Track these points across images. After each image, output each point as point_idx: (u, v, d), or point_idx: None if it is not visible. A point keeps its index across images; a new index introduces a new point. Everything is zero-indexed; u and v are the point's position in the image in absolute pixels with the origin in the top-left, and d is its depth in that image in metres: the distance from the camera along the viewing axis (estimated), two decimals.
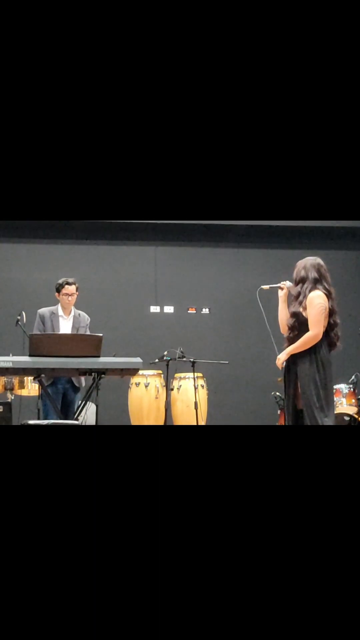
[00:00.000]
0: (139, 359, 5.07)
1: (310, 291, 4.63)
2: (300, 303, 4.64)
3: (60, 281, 5.91)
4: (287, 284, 4.82)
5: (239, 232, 8.57)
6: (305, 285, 4.67)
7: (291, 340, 4.65)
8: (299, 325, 4.62)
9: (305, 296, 4.64)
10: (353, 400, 6.73)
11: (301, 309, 4.61)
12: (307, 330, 4.58)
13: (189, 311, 8.52)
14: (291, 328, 4.66)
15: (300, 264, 4.77)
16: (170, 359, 6.87)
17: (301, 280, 4.71)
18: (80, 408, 5.34)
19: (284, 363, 4.70)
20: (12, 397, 6.60)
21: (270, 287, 4.93)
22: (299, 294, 4.68)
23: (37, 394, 5.93)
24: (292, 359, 4.66)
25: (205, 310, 8.56)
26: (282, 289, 4.84)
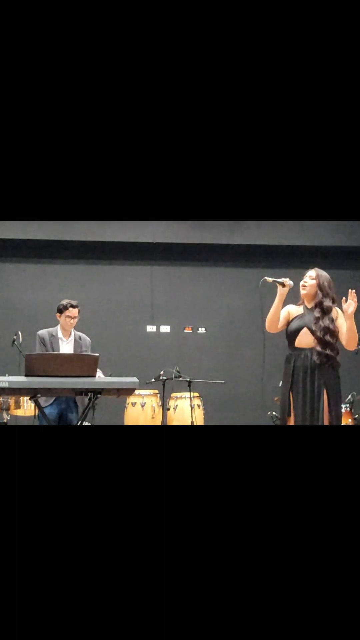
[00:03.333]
0: (135, 379, 5.05)
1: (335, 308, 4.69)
2: (333, 321, 4.62)
3: (64, 302, 5.84)
4: (290, 282, 4.75)
5: (234, 252, 8.61)
6: (332, 303, 4.67)
7: (321, 353, 4.58)
8: (335, 341, 4.62)
9: (335, 312, 4.66)
10: (349, 420, 6.73)
11: (333, 327, 4.61)
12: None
13: (185, 331, 8.53)
14: (325, 344, 4.59)
15: (323, 274, 4.74)
16: (167, 379, 6.86)
17: (327, 295, 4.68)
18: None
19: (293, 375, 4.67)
20: (8, 417, 6.58)
21: (273, 281, 4.74)
22: (329, 308, 4.65)
23: (33, 414, 5.90)
24: (318, 372, 4.59)
25: (202, 330, 8.56)
26: (284, 285, 4.71)
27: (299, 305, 4.80)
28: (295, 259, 8.55)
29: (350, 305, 4.51)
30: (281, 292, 4.71)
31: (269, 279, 4.76)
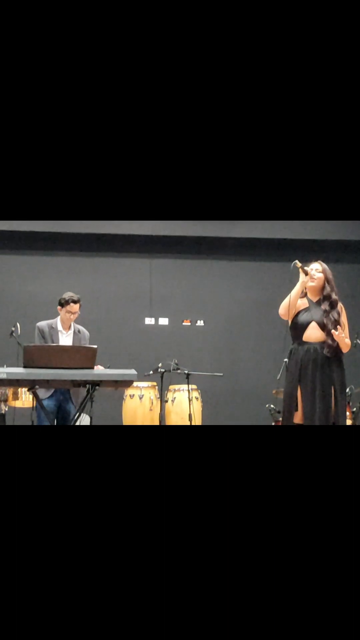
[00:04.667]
0: (133, 371, 5.05)
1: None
2: (339, 314, 4.64)
3: (66, 297, 5.82)
4: (312, 273, 4.71)
5: (234, 245, 8.59)
6: (337, 296, 4.68)
7: (331, 346, 4.58)
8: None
9: (340, 306, 4.68)
10: (347, 413, 6.74)
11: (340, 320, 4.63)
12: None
13: (183, 323, 8.52)
14: (335, 337, 4.60)
15: (327, 267, 4.75)
16: (165, 371, 6.86)
17: (333, 288, 4.70)
18: (74, 420, 5.33)
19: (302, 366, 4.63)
20: (7, 409, 6.58)
21: (301, 267, 4.71)
22: (336, 301, 4.66)
23: (32, 405, 5.90)
24: (327, 366, 4.59)
25: (200, 323, 8.55)
26: (307, 274, 4.69)
27: (301, 298, 4.78)
28: (295, 252, 8.51)
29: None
30: (304, 280, 4.69)
31: (299, 264, 4.74)
